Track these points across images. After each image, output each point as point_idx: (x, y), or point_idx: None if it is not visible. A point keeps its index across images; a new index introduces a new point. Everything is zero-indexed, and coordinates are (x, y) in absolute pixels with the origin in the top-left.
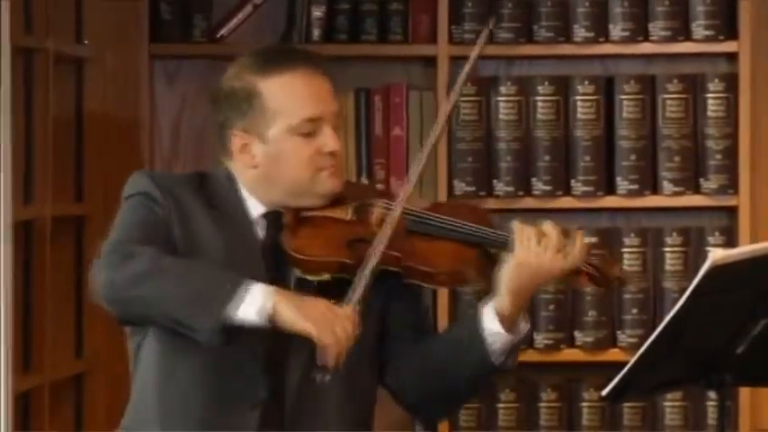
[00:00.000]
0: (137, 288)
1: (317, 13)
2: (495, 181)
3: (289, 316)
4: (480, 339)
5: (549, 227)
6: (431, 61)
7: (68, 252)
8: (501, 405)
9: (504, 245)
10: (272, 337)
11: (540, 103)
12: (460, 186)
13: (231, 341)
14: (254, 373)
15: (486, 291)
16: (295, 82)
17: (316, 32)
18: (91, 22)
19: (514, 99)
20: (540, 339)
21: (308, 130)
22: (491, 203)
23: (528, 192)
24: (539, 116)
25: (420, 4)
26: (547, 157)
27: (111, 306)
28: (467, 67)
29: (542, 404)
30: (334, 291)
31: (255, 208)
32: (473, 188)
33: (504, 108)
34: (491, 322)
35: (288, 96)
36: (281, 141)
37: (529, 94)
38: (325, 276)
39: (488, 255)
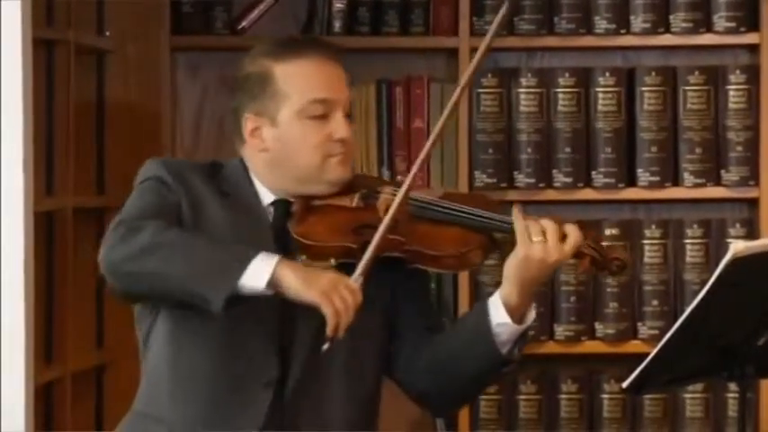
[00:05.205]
0: (143, 261)
1: (339, 4)
2: (515, 173)
3: (295, 286)
4: (488, 329)
5: (546, 220)
6: (452, 53)
7: (90, 244)
8: (522, 397)
9: (508, 230)
10: (280, 318)
11: (560, 95)
12: (481, 178)
13: (242, 316)
14: (265, 353)
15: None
16: (307, 65)
17: (337, 24)
18: (112, 14)
19: (535, 91)
20: (561, 331)
21: (318, 112)
22: (512, 195)
23: (549, 183)
24: (560, 108)
25: None
26: (568, 149)
27: (115, 279)
28: (484, 44)
29: (563, 396)
30: None
31: (266, 196)
32: (494, 180)
33: (524, 100)
34: (498, 312)
35: (299, 79)
36: (290, 125)
37: (550, 86)
38: (331, 261)
39: (493, 239)
